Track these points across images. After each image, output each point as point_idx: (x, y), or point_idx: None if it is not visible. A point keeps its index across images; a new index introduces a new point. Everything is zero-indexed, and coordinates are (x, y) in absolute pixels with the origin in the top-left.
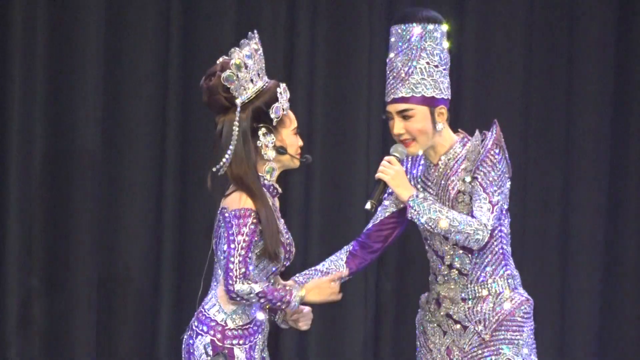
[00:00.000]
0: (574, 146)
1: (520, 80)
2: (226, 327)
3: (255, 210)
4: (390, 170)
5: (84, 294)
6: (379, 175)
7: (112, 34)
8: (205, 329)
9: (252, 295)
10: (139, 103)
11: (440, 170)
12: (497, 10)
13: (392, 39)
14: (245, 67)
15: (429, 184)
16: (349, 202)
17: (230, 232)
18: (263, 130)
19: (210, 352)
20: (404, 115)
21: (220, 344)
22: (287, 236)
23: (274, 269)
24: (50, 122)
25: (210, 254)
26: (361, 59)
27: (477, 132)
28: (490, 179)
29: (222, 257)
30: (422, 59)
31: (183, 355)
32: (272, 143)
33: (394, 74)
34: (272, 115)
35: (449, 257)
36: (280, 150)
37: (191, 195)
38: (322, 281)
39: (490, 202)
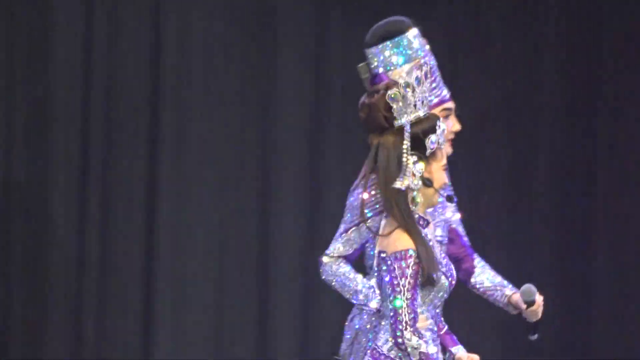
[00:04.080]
0: None
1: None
2: None
3: (415, 249)
4: None
5: None
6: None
7: None
8: None
9: (416, 351)
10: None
11: None
12: None
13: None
14: (413, 90)
15: None
16: None
17: (392, 276)
18: (414, 158)
19: None
20: (458, 114)
21: None
22: (447, 266)
23: (437, 300)
24: None
25: None
26: None
27: None
28: None
29: (387, 302)
30: None
31: None
32: (420, 173)
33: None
34: (427, 145)
35: None
36: (427, 183)
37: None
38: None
39: None
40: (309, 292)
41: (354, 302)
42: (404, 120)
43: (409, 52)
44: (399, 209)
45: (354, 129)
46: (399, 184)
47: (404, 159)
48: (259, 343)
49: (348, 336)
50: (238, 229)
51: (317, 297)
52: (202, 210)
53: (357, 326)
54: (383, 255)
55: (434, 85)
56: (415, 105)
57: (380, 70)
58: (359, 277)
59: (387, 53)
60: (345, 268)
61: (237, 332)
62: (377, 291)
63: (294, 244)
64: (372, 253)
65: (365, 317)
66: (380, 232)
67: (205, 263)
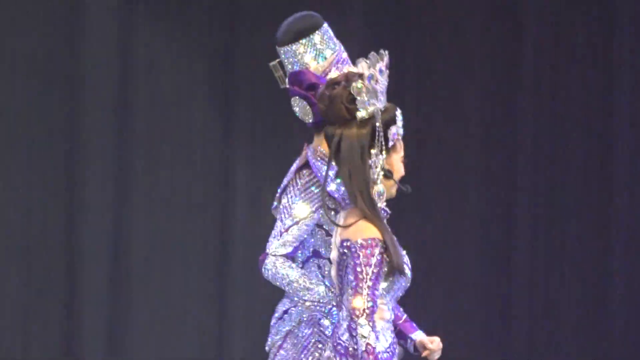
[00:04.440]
0: None
1: None
2: None
3: (381, 239)
4: None
5: None
6: None
7: None
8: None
9: (364, 340)
10: None
11: None
12: None
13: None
14: (376, 82)
15: None
16: None
17: (357, 263)
18: (376, 150)
19: None
20: None
21: None
22: (405, 257)
23: (399, 292)
24: None
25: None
26: None
27: None
28: None
29: (349, 289)
30: None
31: None
32: (381, 165)
33: None
34: (389, 137)
35: None
36: (388, 174)
37: None
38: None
39: None
40: (117, 289)
41: (306, 299)
42: (369, 111)
43: (327, 46)
44: (363, 200)
45: (162, 127)
46: (375, 176)
47: (374, 151)
48: (65, 341)
49: (281, 330)
50: (45, 226)
51: (125, 295)
52: (7, 206)
53: (294, 321)
54: (347, 243)
55: None
56: (377, 97)
57: (301, 66)
58: (307, 274)
59: (306, 49)
60: (291, 267)
61: (43, 331)
62: (329, 283)
63: (102, 239)
64: (309, 245)
65: (301, 309)
66: (342, 223)
67: (11, 260)
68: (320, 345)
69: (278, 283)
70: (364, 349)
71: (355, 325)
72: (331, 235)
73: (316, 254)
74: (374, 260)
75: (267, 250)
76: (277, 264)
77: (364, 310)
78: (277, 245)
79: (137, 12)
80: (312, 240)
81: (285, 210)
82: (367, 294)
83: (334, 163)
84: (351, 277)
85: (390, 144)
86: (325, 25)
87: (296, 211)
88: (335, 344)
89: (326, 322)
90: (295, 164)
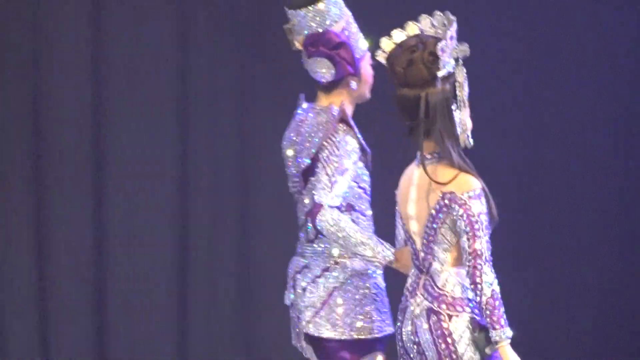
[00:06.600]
0: None
1: None
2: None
3: (482, 187)
4: None
5: None
6: None
7: None
8: (459, 309)
9: (489, 288)
10: None
11: None
12: None
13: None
14: (454, 41)
15: None
16: None
17: (470, 214)
18: (454, 106)
19: (473, 330)
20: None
21: (479, 318)
22: None
23: None
24: None
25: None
26: None
27: None
28: None
29: (464, 237)
30: None
31: (432, 344)
32: (459, 120)
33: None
34: (466, 93)
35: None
36: (463, 129)
37: None
38: None
39: None
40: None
41: (358, 253)
42: (449, 69)
43: (341, 7)
44: (458, 155)
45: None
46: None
47: (454, 107)
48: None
49: (324, 287)
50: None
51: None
52: None
53: (340, 279)
54: (450, 195)
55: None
56: (452, 55)
57: (324, 27)
58: (362, 229)
59: (325, 10)
60: (348, 220)
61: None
62: (387, 245)
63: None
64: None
65: (346, 266)
66: (439, 179)
67: None
68: (375, 298)
69: (334, 235)
70: (489, 295)
71: (480, 277)
72: (363, 189)
73: (350, 207)
74: (484, 209)
75: (321, 202)
76: (334, 216)
77: (486, 259)
78: (330, 197)
79: None
80: (347, 193)
81: (328, 164)
82: (487, 242)
83: (423, 123)
84: (467, 227)
85: (466, 99)
86: None
87: (340, 164)
88: (437, 295)
89: (381, 280)
90: (292, 122)
